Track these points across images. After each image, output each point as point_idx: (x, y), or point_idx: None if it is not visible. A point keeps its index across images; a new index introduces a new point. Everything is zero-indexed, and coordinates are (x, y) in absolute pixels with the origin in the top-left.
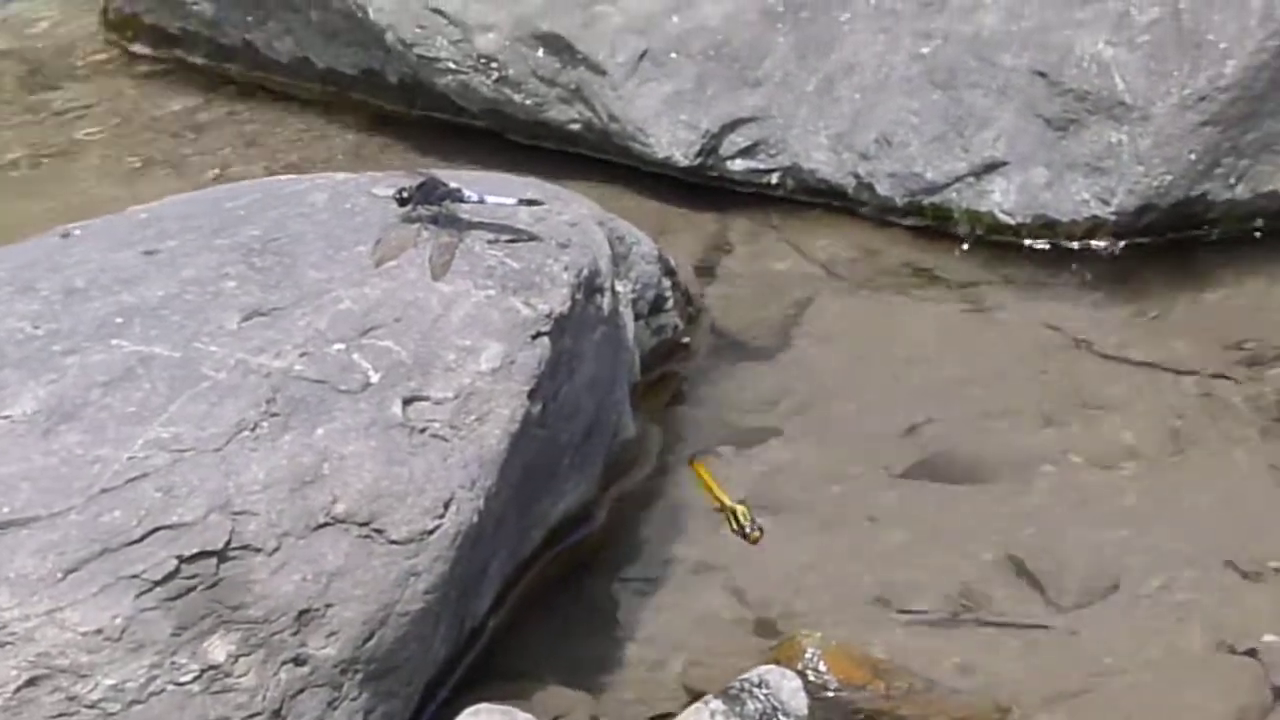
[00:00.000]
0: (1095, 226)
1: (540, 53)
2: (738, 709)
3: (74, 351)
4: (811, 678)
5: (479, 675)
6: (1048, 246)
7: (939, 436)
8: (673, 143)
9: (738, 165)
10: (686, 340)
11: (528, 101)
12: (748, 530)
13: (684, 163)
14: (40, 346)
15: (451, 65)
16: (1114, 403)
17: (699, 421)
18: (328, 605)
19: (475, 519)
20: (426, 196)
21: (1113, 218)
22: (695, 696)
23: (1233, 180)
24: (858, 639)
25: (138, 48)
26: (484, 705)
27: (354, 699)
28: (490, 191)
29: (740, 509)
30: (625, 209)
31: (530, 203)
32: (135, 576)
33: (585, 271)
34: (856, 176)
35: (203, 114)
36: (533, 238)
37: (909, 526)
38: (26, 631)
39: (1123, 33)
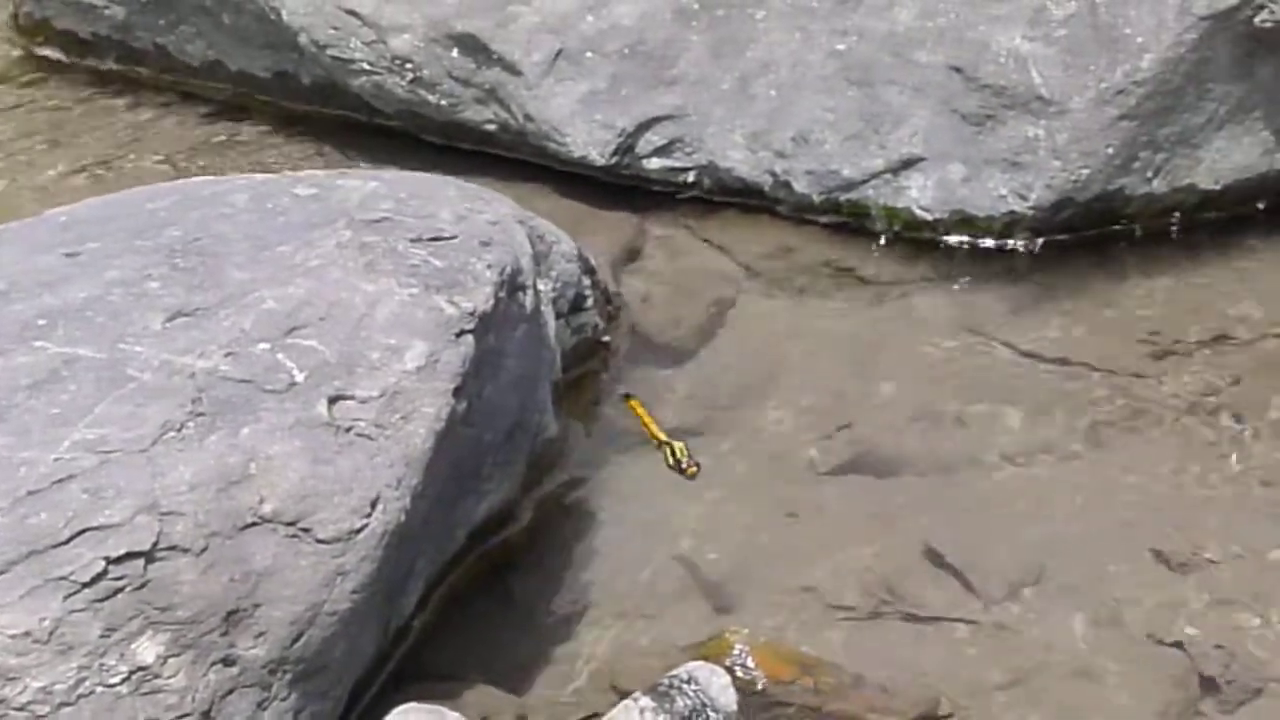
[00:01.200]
0: (1013, 222)
1: (455, 53)
2: (667, 706)
3: None
4: (740, 674)
5: (407, 675)
6: (966, 243)
7: (860, 434)
8: (589, 142)
9: (654, 164)
10: (607, 339)
11: (443, 102)
12: (684, 465)
13: (600, 162)
14: None
15: (366, 66)
16: (1033, 399)
17: (620, 420)
18: (256, 605)
19: (402, 518)
20: None
21: (1030, 213)
22: (624, 695)
23: (1150, 174)
24: (785, 636)
25: (48, 52)
26: (412, 705)
27: (283, 699)
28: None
29: (677, 445)
30: (542, 209)
31: None
32: (63, 578)
33: (508, 270)
34: (773, 174)
35: (117, 118)
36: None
37: (833, 524)
38: None
39: (1039, 28)
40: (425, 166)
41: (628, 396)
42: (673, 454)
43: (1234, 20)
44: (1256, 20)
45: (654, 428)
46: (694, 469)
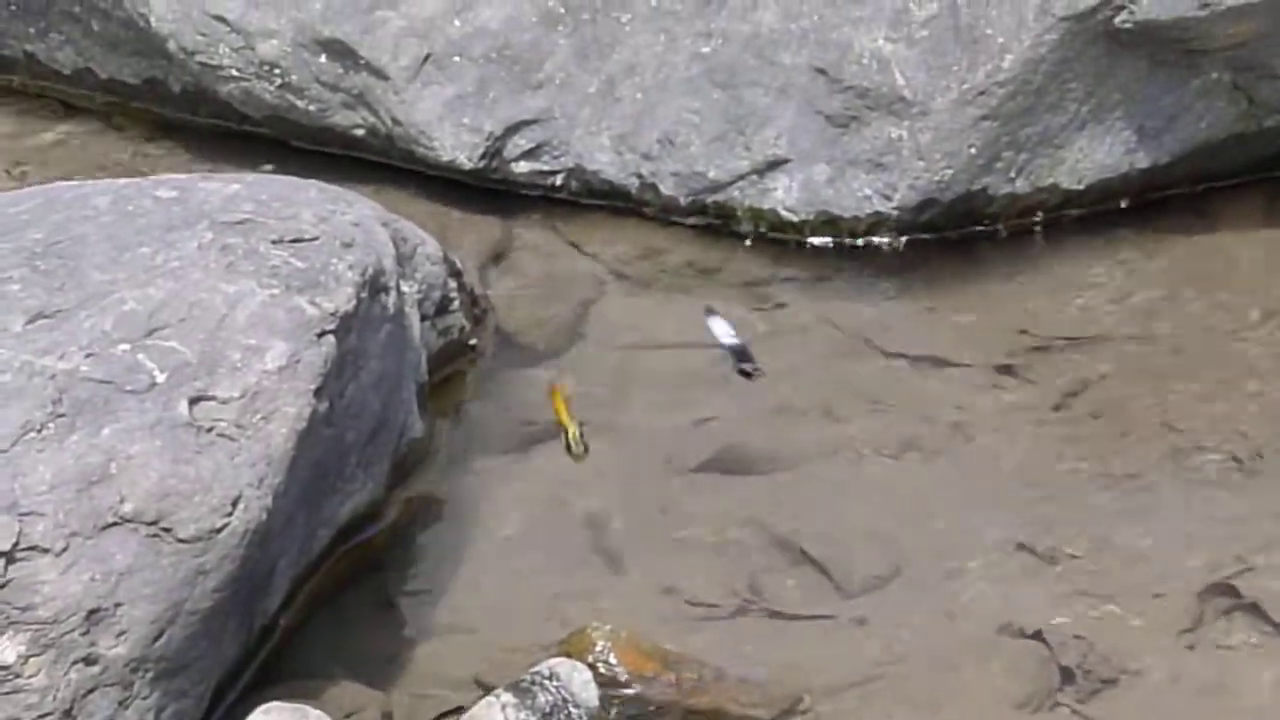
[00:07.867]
0: (877, 222)
1: (323, 58)
2: (529, 702)
3: None
4: (602, 670)
5: (271, 674)
6: (831, 243)
7: (726, 432)
8: (456, 146)
9: (521, 167)
10: (473, 341)
11: (311, 108)
12: (573, 449)
13: (468, 166)
14: None
15: (234, 73)
16: (897, 396)
17: (487, 421)
18: (117, 604)
19: (264, 517)
20: None
21: (895, 213)
22: (487, 690)
23: (1012, 174)
24: (648, 631)
25: None
26: (275, 703)
27: (145, 698)
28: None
29: (573, 429)
30: (411, 213)
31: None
32: None
33: (370, 270)
34: (640, 177)
35: None
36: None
37: (697, 519)
38: None
39: (901, 29)
40: (296, 172)
41: (554, 385)
42: (567, 436)
43: (1093, 20)
44: (1116, 20)
45: (564, 412)
46: (581, 451)
